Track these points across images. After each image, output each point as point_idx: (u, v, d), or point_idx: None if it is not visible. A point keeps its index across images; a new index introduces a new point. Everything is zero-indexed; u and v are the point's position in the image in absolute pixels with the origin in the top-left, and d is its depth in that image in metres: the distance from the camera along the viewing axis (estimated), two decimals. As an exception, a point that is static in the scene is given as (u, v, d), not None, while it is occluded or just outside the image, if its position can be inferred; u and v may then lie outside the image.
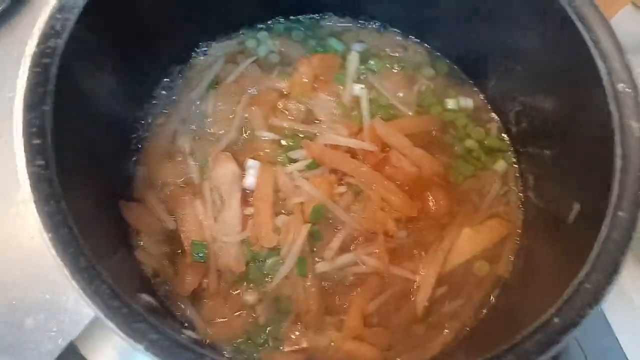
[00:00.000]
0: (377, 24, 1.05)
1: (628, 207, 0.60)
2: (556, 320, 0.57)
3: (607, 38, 0.67)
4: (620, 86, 0.65)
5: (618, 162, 0.62)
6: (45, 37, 0.63)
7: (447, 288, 0.87)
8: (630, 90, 0.64)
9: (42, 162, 0.58)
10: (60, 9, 0.65)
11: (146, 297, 0.66)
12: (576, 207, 0.71)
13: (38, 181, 0.57)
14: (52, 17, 0.65)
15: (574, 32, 0.69)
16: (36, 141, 0.59)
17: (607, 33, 0.67)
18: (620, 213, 0.59)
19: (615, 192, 0.61)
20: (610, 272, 0.57)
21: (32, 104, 0.60)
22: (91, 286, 0.54)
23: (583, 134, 0.74)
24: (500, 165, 0.95)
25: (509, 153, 0.96)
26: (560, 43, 0.74)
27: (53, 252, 0.54)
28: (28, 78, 0.61)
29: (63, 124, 0.63)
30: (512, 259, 0.89)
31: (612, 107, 0.65)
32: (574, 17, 0.68)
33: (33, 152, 0.58)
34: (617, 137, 0.63)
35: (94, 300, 0.53)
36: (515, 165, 0.95)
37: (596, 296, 0.56)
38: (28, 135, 0.58)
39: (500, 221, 0.91)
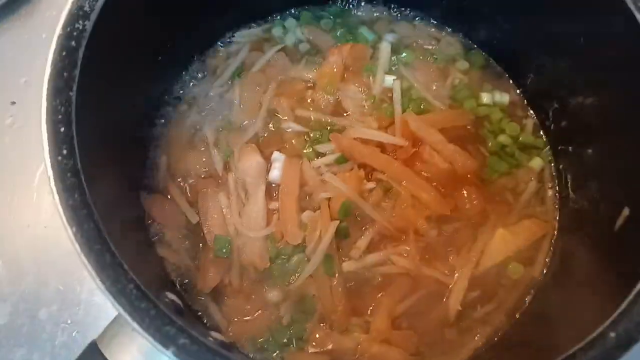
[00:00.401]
0: (410, 13, 1.01)
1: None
2: (612, 334, 0.53)
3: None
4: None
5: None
6: (73, 18, 0.60)
7: (479, 291, 0.83)
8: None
9: (66, 152, 0.54)
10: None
11: (171, 296, 0.62)
12: (625, 211, 0.67)
13: (62, 172, 0.53)
14: (79, -2, 0.61)
15: (630, 24, 0.64)
16: (61, 129, 0.56)
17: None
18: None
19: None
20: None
21: (58, 90, 0.57)
22: (117, 285, 0.51)
23: (631, 133, 0.70)
24: (536, 162, 0.91)
25: (546, 150, 0.92)
26: (612, 36, 0.70)
27: (77, 248, 0.51)
28: (53, 62, 0.58)
29: (87, 111, 0.60)
30: (548, 262, 0.85)
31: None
32: (633, 7, 0.63)
33: (57, 141, 0.55)
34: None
35: (120, 301, 0.50)
36: (552, 164, 0.91)
37: (656, 310, 0.53)
38: (53, 122, 0.55)
39: (536, 221, 0.87)
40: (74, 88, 0.58)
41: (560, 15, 0.78)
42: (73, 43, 0.58)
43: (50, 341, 0.90)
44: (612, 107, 0.74)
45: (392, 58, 0.97)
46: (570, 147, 0.86)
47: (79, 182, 0.54)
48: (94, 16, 0.61)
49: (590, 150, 0.80)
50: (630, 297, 0.54)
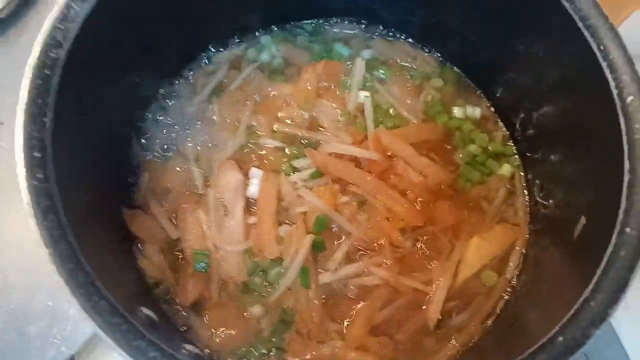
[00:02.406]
0: (384, 31, 1.04)
1: (637, 223, 0.58)
2: (560, 339, 0.55)
3: (616, 49, 0.66)
4: (630, 99, 0.63)
5: (626, 177, 0.60)
6: (47, 47, 0.63)
7: (457, 300, 0.86)
8: (638, 103, 0.62)
9: (41, 176, 0.57)
10: (62, 18, 0.65)
11: (146, 311, 0.65)
12: (582, 221, 0.69)
13: (37, 195, 0.56)
14: (53, 28, 0.64)
15: (582, 43, 0.68)
16: (36, 154, 0.58)
17: (616, 44, 0.66)
18: (627, 229, 0.58)
19: (623, 207, 0.59)
20: (617, 290, 0.56)
21: (33, 116, 0.60)
22: (90, 302, 0.53)
23: (590, 145, 0.73)
24: (506, 169, 0.94)
25: (515, 157, 0.95)
26: (568, 53, 0.73)
27: (53, 268, 0.53)
28: (29, 90, 0.60)
29: (64, 136, 0.63)
30: (520, 267, 0.88)
31: (621, 119, 0.63)
32: (581, 26, 0.67)
33: (33, 165, 0.58)
34: (626, 151, 0.61)
35: (94, 317, 0.53)
36: (522, 172, 0.94)
37: (602, 315, 0.55)
38: (28, 148, 0.58)
39: (507, 226, 0.91)
40: (49, 115, 0.60)
41: (520, 33, 0.81)
42: (47, 71, 0.61)
43: (39, 357, 0.91)
44: (571, 120, 0.77)
45: (368, 74, 0.99)
46: (536, 155, 0.89)
47: (54, 204, 0.57)
48: (67, 45, 0.63)
49: (554, 158, 0.83)
50: (578, 304, 0.56)
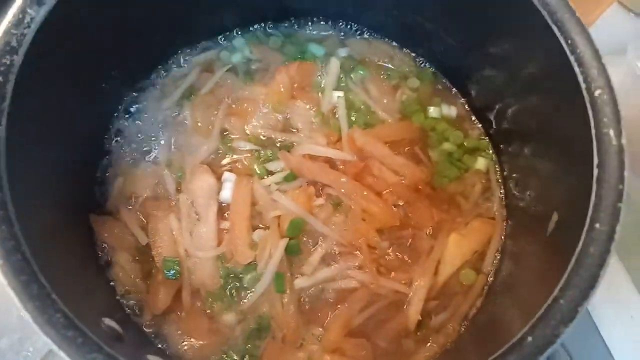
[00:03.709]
0: (360, 32, 1.03)
1: (606, 219, 0.57)
2: (530, 339, 0.54)
3: (583, 43, 0.64)
4: (598, 92, 0.62)
5: (595, 172, 0.59)
6: (0, 53, 0.61)
7: (437, 300, 0.85)
8: (606, 97, 0.61)
9: (-9, 186, 0.55)
10: (17, 23, 0.63)
11: (110, 323, 0.63)
12: (554, 217, 0.68)
13: (-12, 206, 0.54)
14: (7, 32, 0.62)
15: (551, 37, 0.67)
16: (-14, 164, 0.57)
17: (584, 37, 0.65)
18: (597, 225, 0.57)
19: (592, 202, 0.58)
20: (586, 287, 0.55)
21: (-16, 124, 0.58)
22: (44, 315, 0.52)
23: (561, 140, 0.72)
24: (481, 163, 0.93)
25: (489, 151, 0.95)
26: (537, 49, 0.72)
27: (3, 280, 0.51)
28: (-19, 97, 0.59)
29: (20, 144, 0.61)
30: (497, 264, 0.87)
31: (589, 113, 0.62)
32: (549, 20, 0.66)
33: (-18, 176, 0.56)
34: (594, 145, 0.60)
35: (46, 330, 0.51)
36: (497, 167, 0.93)
37: (571, 314, 0.54)
38: (-22, 157, 0.56)
39: (484, 220, 0.90)
40: (3, 121, 0.59)
41: (491, 30, 0.80)
42: (0, 78, 0.60)
43: (12, 371, 0.90)
44: (542, 115, 0.76)
45: (342, 74, 0.98)
46: (510, 149, 0.89)
47: (7, 215, 0.55)
48: (22, 50, 0.62)
49: (527, 151, 0.83)
50: (548, 302, 0.55)
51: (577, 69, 0.64)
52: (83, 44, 0.73)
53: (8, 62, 0.61)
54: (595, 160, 0.59)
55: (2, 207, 0.55)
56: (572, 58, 0.65)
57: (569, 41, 0.65)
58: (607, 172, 0.58)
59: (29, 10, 0.63)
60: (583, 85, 0.63)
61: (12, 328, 0.92)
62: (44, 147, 0.68)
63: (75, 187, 0.80)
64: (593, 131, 0.61)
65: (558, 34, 0.66)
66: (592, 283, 0.55)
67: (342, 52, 1.01)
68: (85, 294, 0.67)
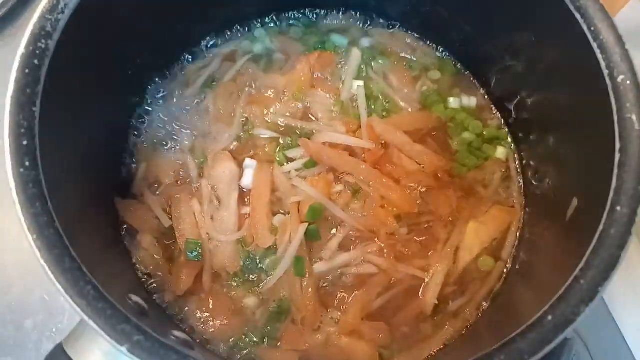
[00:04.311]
0: (379, 22, 1.03)
1: (627, 202, 0.57)
2: (550, 318, 0.55)
3: (606, 29, 0.64)
4: (621, 78, 0.62)
5: (617, 156, 0.59)
6: (35, 38, 0.63)
7: (455, 286, 0.86)
8: (629, 83, 0.61)
9: (28, 164, 0.57)
10: (51, 9, 0.65)
11: (136, 299, 0.65)
12: (574, 202, 0.69)
13: (24, 183, 0.56)
14: (42, 18, 0.64)
15: (573, 24, 0.67)
16: (24, 142, 0.58)
17: (607, 24, 0.65)
18: (618, 208, 0.57)
19: (613, 186, 0.58)
20: (606, 268, 0.55)
21: (21, 105, 0.60)
22: (75, 288, 0.53)
23: (583, 125, 0.72)
24: (501, 152, 0.94)
25: (508, 141, 0.95)
26: (560, 36, 0.72)
27: (37, 253, 0.53)
28: (17, 80, 0.61)
29: (53, 125, 0.63)
30: (515, 250, 0.87)
31: (612, 99, 0.62)
32: (571, 7, 0.66)
33: (20, 154, 0.58)
34: (617, 130, 0.61)
35: (77, 302, 0.53)
36: (516, 155, 0.94)
37: (591, 293, 0.54)
38: (15, 136, 0.58)
39: (503, 209, 0.90)
40: (37, 103, 0.61)
41: (514, 19, 0.81)
42: (36, 61, 0.61)
43: (36, 350, 0.93)
44: (564, 102, 0.76)
45: (363, 64, 0.99)
46: (530, 138, 0.89)
47: (41, 192, 0.57)
48: (56, 35, 0.63)
49: (546, 140, 0.83)
50: (569, 282, 0.56)
51: (599, 55, 0.64)
52: (112, 31, 0.75)
53: (43, 46, 0.62)
54: (618, 145, 0.60)
55: (37, 185, 0.57)
56: (595, 45, 0.65)
57: (592, 28, 0.65)
58: (629, 156, 0.58)
59: (62, -4, 0.65)
60: (606, 72, 0.63)
61: (36, 309, 0.96)
62: (74, 130, 0.70)
63: (102, 169, 0.82)
64: (615, 117, 0.61)
65: (581, 20, 0.66)
66: (612, 264, 0.55)
67: (365, 42, 1.02)
68: (111, 272, 0.69)
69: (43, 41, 0.63)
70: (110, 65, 0.78)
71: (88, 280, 0.54)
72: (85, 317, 0.52)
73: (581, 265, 0.56)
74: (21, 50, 0.62)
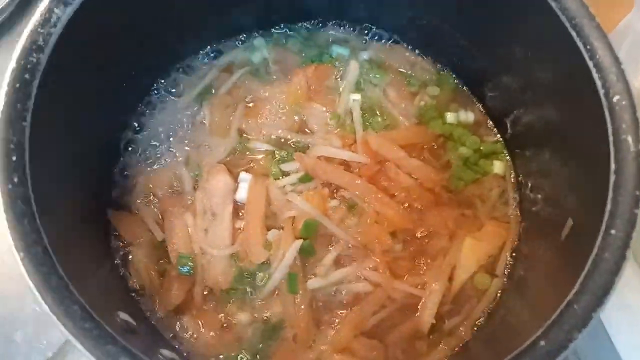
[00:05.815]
0: (377, 36, 1.03)
1: (622, 225, 0.57)
2: (542, 343, 0.54)
3: (602, 48, 0.64)
4: (616, 98, 0.62)
5: (612, 178, 0.59)
6: (26, 52, 0.63)
7: (451, 305, 0.85)
8: (625, 103, 0.61)
9: (17, 180, 0.57)
10: (43, 23, 0.65)
11: (125, 316, 0.64)
12: (569, 222, 0.68)
13: (12, 199, 0.56)
14: (33, 31, 0.64)
15: (569, 43, 0.66)
16: (13, 158, 0.58)
17: (603, 43, 0.64)
18: (613, 231, 0.56)
19: (608, 208, 0.58)
20: (601, 293, 0.54)
21: (11, 121, 0.59)
22: (61, 307, 0.53)
23: (578, 144, 0.72)
24: (498, 167, 0.93)
25: (505, 156, 0.94)
26: (556, 54, 0.72)
27: (24, 271, 0.53)
28: (7, 94, 0.60)
29: (43, 141, 0.63)
30: (510, 268, 0.86)
31: (607, 119, 0.62)
32: (568, 25, 0.66)
33: (9, 170, 0.57)
34: (612, 151, 0.60)
35: (63, 321, 0.52)
36: (512, 172, 0.93)
37: (585, 320, 0.54)
38: (4, 152, 0.58)
39: (498, 224, 0.89)
40: (28, 119, 0.60)
41: (510, 36, 0.81)
42: (27, 76, 0.61)
43: (26, 364, 0.92)
44: (559, 120, 0.76)
45: (361, 78, 0.98)
46: (526, 154, 0.89)
47: (30, 208, 0.56)
48: (48, 50, 0.63)
49: (542, 157, 0.82)
50: (561, 307, 0.55)
51: (595, 75, 0.64)
52: (106, 43, 0.75)
53: (35, 60, 0.62)
54: (613, 167, 0.59)
55: (26, 202, 0.56)
56: (590, 63, 0.64)
57: (588, 46, 0.65)
58: (624, 178, 0.58)
59: (55, 10, 0.65)
60: (602, 91, 0.63)
61: (26, 321, 0.94)
62: (66, 144, 0.70)
63: (94, 184, 0.81)
64: (611, 137, 0.60)
65: (577, 39, 0.66)
66: (606, 289, 0.54)
67: (363, 55, 1.01)
68: (100, 288, 0.68)
69: (34, 55, 0.63)
70: (103, 78, 0.78)
71: (75, 300, 0.54)
72: (71, 338, 0.52)
73: (575, 289, 0.55)
74: (12, 64, 0.62)
